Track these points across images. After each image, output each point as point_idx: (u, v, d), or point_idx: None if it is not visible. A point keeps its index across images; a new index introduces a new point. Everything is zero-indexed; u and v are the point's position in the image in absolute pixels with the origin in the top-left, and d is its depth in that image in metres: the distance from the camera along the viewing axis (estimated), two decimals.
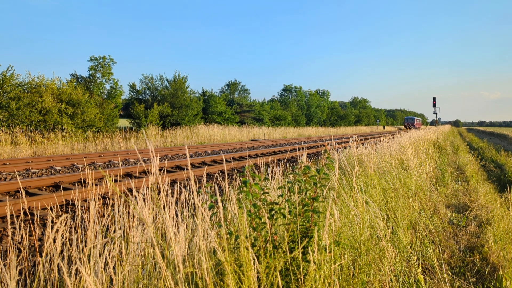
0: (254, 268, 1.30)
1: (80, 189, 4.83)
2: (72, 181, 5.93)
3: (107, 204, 4.02)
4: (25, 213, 3.86)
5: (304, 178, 1.70)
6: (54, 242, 1.81)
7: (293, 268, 1.48)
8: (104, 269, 1.49)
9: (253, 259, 1.31)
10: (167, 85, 22.51)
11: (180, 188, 4.20)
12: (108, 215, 1.97)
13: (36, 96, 14.19)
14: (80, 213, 3.28)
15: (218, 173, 7.21)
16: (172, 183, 6.10)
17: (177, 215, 2.21)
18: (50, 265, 1.67)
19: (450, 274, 2.32)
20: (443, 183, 5.16)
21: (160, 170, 7.00)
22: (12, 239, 2.95)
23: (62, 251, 2.12)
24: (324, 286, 1.47)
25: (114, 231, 1.79)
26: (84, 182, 5.91)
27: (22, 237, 3.07)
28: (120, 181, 5.75)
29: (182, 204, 2.87)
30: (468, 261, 2.59)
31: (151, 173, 1.78)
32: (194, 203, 1.95)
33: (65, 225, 2.12)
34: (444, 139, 15.37)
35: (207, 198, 1.63)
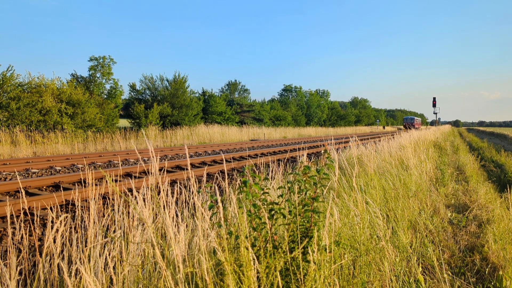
0: (254, 268, 1.30)
1: (80, 189, 4.84)
2: (72, 181, 5.93)
3: (107, 204, 4.02)
4: (25, 213, 3.86)
5: (304, 178, 1.70)
6: (54, 242, 1.81)
7: (293, 268, 1.48)
8: (104, 269, 1.49)
9: (253, 259, 1.31)
10: (167, 85, 22.52)
11: (180, 188, 4.20)
12: (108, 215, 1.97)
13: (36, 96, 14.19)
14: (80, 213, 3.28)
15: (218, 173, 7.21)
16: (172, 183, 6.10)
17: (177, 215, 2.21)
18: (50, 265, 1.67)
19: (450, 274, 2.32)
20: (443, 183, 5.16)
21: (160, 170, 7.00)
22: (12, 239, 2.95)
23: (62, 251, 2.12)
24: (324, 286, 1.47)
25: (114, 231, 1.79)
26: (84, 182, 5.91)
27: (22, 237, 3.07)
28: (120, 181, 5.75)
29: (182, 204, 2.87)
30: (468, 261, 2.59)
31: (151, 173, 1.78)
32: (194, 203, 1.95)
33: (65, 225, 2.12)
34: (444, 139, 15.37)
35: (207, 198, 1.63)
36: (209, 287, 1.25)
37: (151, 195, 1.67)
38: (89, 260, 1.52)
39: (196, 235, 1.69)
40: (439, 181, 5.24)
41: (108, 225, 2.07)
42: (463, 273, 2.40)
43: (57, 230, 1.64)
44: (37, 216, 3.49)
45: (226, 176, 1.81)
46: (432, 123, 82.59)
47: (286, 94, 42.84)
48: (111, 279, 1.49)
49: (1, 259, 2.47)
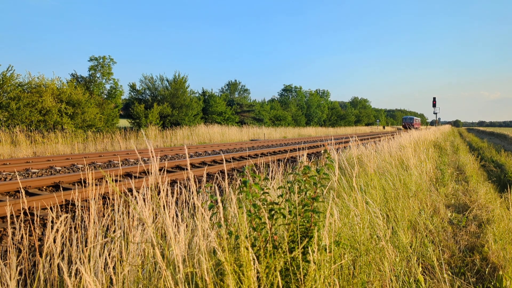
0: (254, 268, 1.30)
1: (80, 189, 4.84)
2: (72, 181, 5.93)
3: (107, 204, 4.02)
4: (25, 213, 3.86)
5: (304, 178, 1.70)
6: (54, 242, 1.81)
7: (293, 268, 1.48)
8: (104, 269, 1.49)
9: (253, 259, 1.31)
10: (167, 85, 22.52)
11: (180, 188, 4.20)
12: (108, 215, 1.97)
13: (36, 96, 14.19)
14: (80, 213, 3.28)
15: (218, 173, 7.21)
16: (172, 183, 6.10)
17: (177, 215, 2.21)
18: (50, 265, 1.67)
19: (450, 274, 2.32)
20: (443, 183, 5.16)
21: (160, 170, 7.00)
22: (12, 239, 2.95)
23: (62, 251, 2.12)
24: (324, 286, 1.47)
25: (114, 231, 1.79)
26: (84, 182, 5.91)
27: (22, 237, 3.07)
28: (120, 181, 5.75)
29: (182, 204, 2.87)
30: (468, 261, 2.59)
31: (151, 173, 1.78)
32: (194, 203, 1.95)
33: (65, 225, 2.12)
34: (444, 139, 15.37)
35: (207, 198, 1.63)
36: (209, 287, 1.25)
37: (151, 195, 1.67)
38: (89, 260, 1.52)
39: (196, 235, 1.69)
40: (439, 181, 5.24)
41: (108, 225, 2.07)
42: (463, 273, 2.40)
43: (57, 230, 1.64)
44: (37, 216, 3.49)
45: (226, 176, 1.81)
46: (432, 123, 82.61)
47: (286, 94, 42.85)
48: (111, 279, 1.49)
49: (1, 259, 2.47)
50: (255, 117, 30.17)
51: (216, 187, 2.03)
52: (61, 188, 5.29)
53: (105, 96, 19.32)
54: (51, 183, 5.61)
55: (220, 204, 1.47)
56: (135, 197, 1.54)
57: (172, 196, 2.17)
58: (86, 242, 1.89)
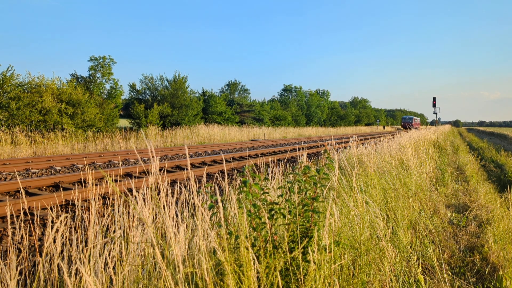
0: (254, 268, 1.30)
1: (80, 189, 4.84)
2: (72, 181, 5.93)
3: (107, 204, 4.02)
4: (25, 213, 3.86)
5: (304, 178, 1.70)
6: (54, 242, 1.81)
7: (293, 268, 1.48)
8: (104, 269, 1.49)
9: (253, 259, 1.31)
10: (167, 85, 22.52)
11: (180, 188, 4.20)
12: (108, 215, 1.97)
13: (36, 96, 14.19)
14: (80, 213, 3.28)
15: (218, 173, 7.21)
16: (172, 183, 6.10)
17: (177, 215, 2.21)
18: (50, 265, 1.67)
19: (450, 274, 2.32)
20: (443, 183, 5.16)
21: (160, 170, 7.00)
22: (12, 239, 2.95)
23: (62, 251, 2.12)
24: (324, 286, 1.47)
25: (114, 231, 1.79)
26: (84, 182, 5.91)
27: (22, 237, 3.07)
28: (120, 181, 5.75)
29: (182, 204, 2.87)
30: (468, 261, 2.59)
31: (151, 173, 1.78)
32: (194, 203, 1.95)
33: (65, 225, 2.12)
34: (444, 139, 15.37)
35: (207, 198, 1.63)
36: (209, 287, 1.25)
37: (151, 195, 1.67)
38: (89, 260, 1.52)
39: (196, 235, 1.69)
40: (439, 181, 5.24)
41: (108, 225, 2.07)
42: (463, 273, 2.40)
43: (57, 230, 1.64)
44: (37, 216, 3.49)
45: (226, 176, 1.81)
46: (432, 123, 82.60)
47: (286, 94, 42.84)
48: (111, 279, 1.49)
49: (1, 259, 2.47)
50: (255, 117, 30.17)
51: (216, 187, 2.03)
52: (61, 188, 5.29)
53: (105, 96, 19.32)
54: (51, 183, 5.61)
55: (220, 204, 1.47)
56: (135, 197, 1.54)
57: (172, 196, 2.17)
58: (86, 242, 1.89)
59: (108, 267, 1.46)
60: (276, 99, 40.73)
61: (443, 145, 11.53)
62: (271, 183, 2.88)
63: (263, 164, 7.15)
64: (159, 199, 1.60)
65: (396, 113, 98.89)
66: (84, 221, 2.24)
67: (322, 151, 2.00)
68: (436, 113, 34.06)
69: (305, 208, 1.64)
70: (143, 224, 1.72)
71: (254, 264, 1.31)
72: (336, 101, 52.73)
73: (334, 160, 1.94)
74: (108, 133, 15.83)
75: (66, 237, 1.98)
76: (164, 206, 1.53)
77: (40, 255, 2.75)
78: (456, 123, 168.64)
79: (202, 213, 1.62)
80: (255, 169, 5.89)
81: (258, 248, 1.46)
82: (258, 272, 1.37)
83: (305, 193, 1.67)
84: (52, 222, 2.53)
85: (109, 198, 4.37)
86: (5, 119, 13.24)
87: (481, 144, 16.08)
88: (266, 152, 11.75)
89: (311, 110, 41.03)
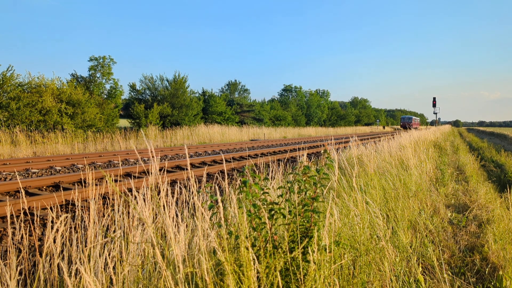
0: (254, 268, 1.30)
1: (80, 189, 4.84)
2: (72, 181, 5.93)
3: (107, 204, 4.02)
4: (25, 213, 3.86)
5: (304, 178, 1.70)
6: (54, 242, 1.81)
7: (293, 268, 1.48)
8: (104, 269, 1.49)
9: (253, 259, 1.31)
10: (167, 85, 22.52)
11: (180, 188, 4.20)
12: (108, 215, 1.97)
13: (36, 96, 14.19)
14: (80, 213, 3.28)
15: (218, 173, 7.21)
16: (172, 183, 6.10)
17: (177, 215, 2.21)
18: (50, 265, 1.67)
19: (450, 274, 2.32)
20: (443, 183, 5.16)
21: (160, 170, 7.00)
22: (12, 239, 2.95)
23: (62, 251, 2.12)
24: (324, 286, 1.47)
25: (114, 231, 1.79)
26: (84, 182, 5.91)
27: (22, 237, 3.07)
28: (120, 181, 5.75)
29: (182, 204, 2.87)
30: (468, 261, 2.59)
31: (151, 173, 1.78)
32: (194, 203, 1.95)
33: (65, 225, 2.12)
34: (444, 139, 15.37)
35: (207, 198, 1.63)
36: (209, 287, 1.25)
37: (151, 195, 1.67)
38: (89, 260, 1.52)
39: (196, 235, 1.69)
40: (439, 181, 5.24)
41: (108, 225, 2.07)
42: (463, 273, 2.40)
43: (57, 230, 1.64)
44: (37, 216, 3.49)
45: (226, 176, 1.81)
46: (432, 123, 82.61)
47: (286, 94, 42.84)
48: (111, 279, 1.49)
49: (1, 259, 2.47)
50: (255, 117, 30.17)
51: (216, 187, 2.03)
52: (61, 188, 5.29)
53: (105, 96, 19.32)
54: (51, 183, 5.61)
55: (220, 204, 1.47)
56: (135, 197, 1.54)
57: (172, 196, 2.17)
58: (86, 242, 1.89)
59: (108, 267, 1.46)
60: (276, 99, 40.74)
61: (443, 145, 11.53)
62: (271, 183, 2.88)
63: (263, 164, 7.15)
64: (159, 199, 1.60)
65: (396, 113, 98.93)
66: (84, 221, 2.24)
67: (322, 151, 2.00)
68: (436, 113, 34.07)
69: (305, 208, 1.64)
70: (143, 224, 1.72)
71: (254, 264, 1.31)
72: (336, 101, 52.77)
73: (334, 160, 1.94)
74: (108, 133, 15.83)
75: (66, 237, 1.98)
76: (164, 206, 1.53)
77: (40, 255, 2.75)
78: (456, 123, 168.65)
79: (202, 213, 1.62)
80: (255, 169, 5.89)
81: (258, 248, 1.46)
82: (258, 272, 1.37)
83: (305, 193, 1.67)
84: (52, 222, 2.53)
85: (109, 198, 4.37)
86: (5, 119, 13.24)
87: (481, 144, 16.08)
88: (266, 152, 11.75)
89: (311, 110, 41.03)
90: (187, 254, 1.59)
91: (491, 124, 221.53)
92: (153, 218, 1.73)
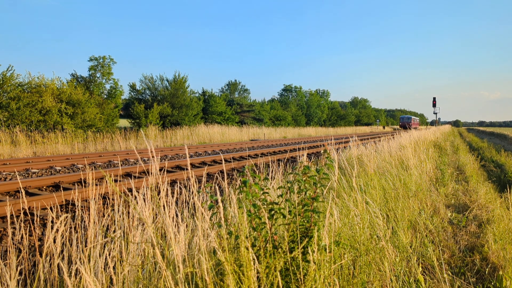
0: (254, 268, 1.30)
1: (80, 189, 4.84)
2: (72, 181, 5.93)
3: (107, 204, 4.02)
4: (25, 213, 3.86)
5: (304, 178, 1.70)
6: (54, 242, 1.81)
7: (293, 268, 1.48)
8: (104, 269, 1.50)
9: (253, 259, 1.31)
10: (167, 85, 22.53)
11: (180, 188, 4.20)
12: (108, 215, 1.97)
13: (36, 96, 14.19)
14: (80, 213, 3.28)
15: (218, 173, 7.21)
16: (172, 183, 6.10)
17: (177, 215, 2.21)
18: (50, 265, 1.67)
19: (450, 274, 2.32)
20: (443, 183, 5.16)
21: (160, 170, 7.00)
22: (12, 239, 2.95)
23: (62, 251, 2.12)
24: (324, 286, 1.47)
25: (114, 231, 1.79)
26: (84, 182, 5.91)
27: (22, 237, 3.07)
28: (120, 181, 5.74)
29: (182, 204, 2.87)
30: (468, 261, 2.59)
31: (151, 173, 1.78)
32: (194, 203, 1.95)
33: (65, 225, 2.12)
34: (444, 139, 15.37)
35: (207, 198, 1.63)
36: (209, 287, 1.25)
37: (151, 195, 1.67)
38: (89, 260, 1.52)
39: (196, 235, 1.69)
40: (439, 181, 5.24)
41: (108, 225, 2.07)
42: (463, 273, 2.40)
43: (57, 230, 1.64)
44: (37, 216, 3.49)
45: (226, 176, 1.81)
46: (432, 123, 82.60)
47: (286, 94, 42.85)
48: (111, 279, 1.49)
49: (1, 259, 2.47)
50: (255, 117, 30.18)
51: (216, 187, 2.03)
52: (61, 188, 5.29)
53: (105, 96, 19.33)
54: (51, 183, 5.61)
55: (220, 204, 1.47)
56: (135, 197, 1.54)
57: (172, 196, 2.17)
58: (86, 242, 1.89)
59: (108, 267, 1.46)
60: (276, 99, 40.74)
61: (443, 145, 11.53)
62: (271, 183, 2.88)
63: (263, 164, 7.15)
64: (159, 199, 1.60)
65: (396, 113, 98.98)
66: (84, 221, 2.24)
67: (322, 151, 2.00)
68: (436, 113, 34.08)
69: (305, 208, 1.64)
70: (143, 224, 1.72)
71: (254, 264, 1.31)
72: (336, 101, 52.78)
73: (334, 160, 1.94)
74: (108, 133, 15.83)
75: (66, 237, 1.98)
76: (164, 206, 1.53)
77: (40, 255, 2.75)
78: (456, 123, 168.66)
79: (202, 213, 1.62)
80: (255, 169, 5.89)
81: (258, 248, 1.46)
82: (258, 272, 1.37)
83: (305, 193, 1.67)
84: (52, 222, 2.54)
85: (109, 198, 4.37)
86: (5, 119, 13.24)
87: (481, 144, 16.08)
88: (266, 152, 11.75)
89: (311, 110, 41.04)
90: (187, 254, 1.59)
91: (491, 124, 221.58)
92: (153, 218, 1.73)
